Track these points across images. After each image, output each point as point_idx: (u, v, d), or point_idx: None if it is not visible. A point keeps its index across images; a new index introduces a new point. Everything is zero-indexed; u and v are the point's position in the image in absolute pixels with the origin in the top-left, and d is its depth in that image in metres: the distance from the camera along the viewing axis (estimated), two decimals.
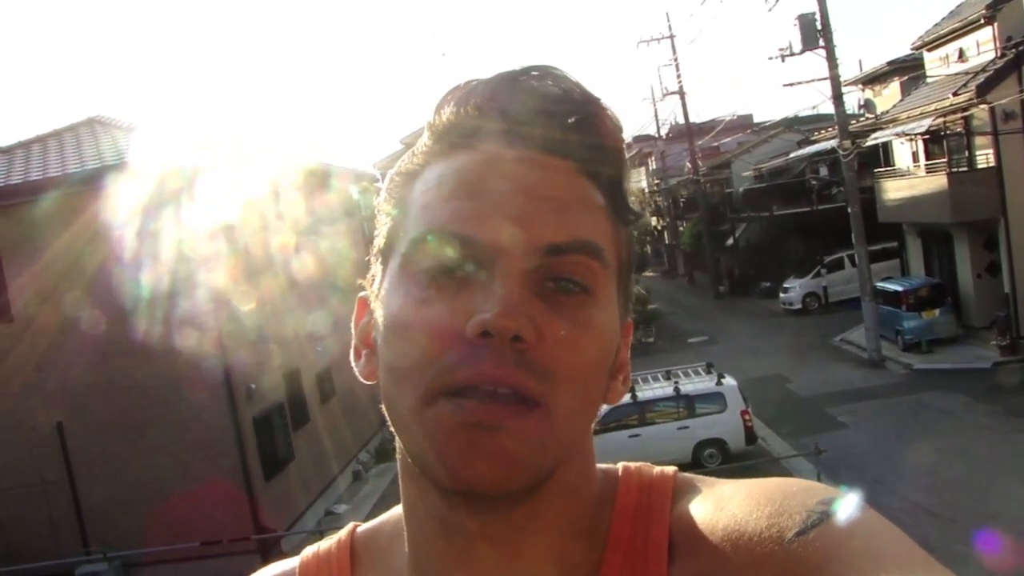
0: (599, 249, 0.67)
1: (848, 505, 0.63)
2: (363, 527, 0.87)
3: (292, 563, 0.86)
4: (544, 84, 0.69)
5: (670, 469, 0.78)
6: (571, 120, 0.68)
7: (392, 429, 0.70)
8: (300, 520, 15.07)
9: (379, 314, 0.71)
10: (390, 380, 0.68)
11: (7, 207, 13.40)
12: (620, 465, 0.79)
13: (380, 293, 0.72)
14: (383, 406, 0.70)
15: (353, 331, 0.79)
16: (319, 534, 13.31)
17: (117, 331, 12.97)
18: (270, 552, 13.05)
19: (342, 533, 0.86)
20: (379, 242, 0.75)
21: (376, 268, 0.75)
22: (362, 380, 0.76)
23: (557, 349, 0.64)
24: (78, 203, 13.00)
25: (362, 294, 0.79)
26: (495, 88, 0.70)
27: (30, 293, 13.50)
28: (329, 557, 0.84)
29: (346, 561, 0.83)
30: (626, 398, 15.25)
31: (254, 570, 0.89)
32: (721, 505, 0.67)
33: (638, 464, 0.79)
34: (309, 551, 0.86)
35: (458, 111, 0.71)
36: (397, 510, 0.80)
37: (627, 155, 0.74)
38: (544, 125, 0.68)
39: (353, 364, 0.77)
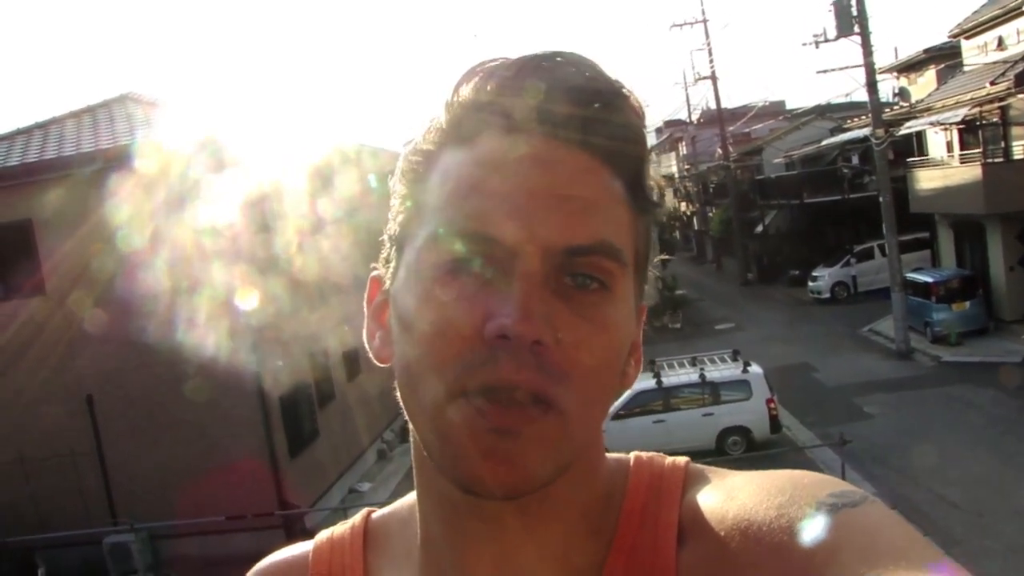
0: (619, 251, 0.67)
1: (858, 498, 0.63)
2: (377, 513, 0.88)
3: (307, 546, 0.87)
4: (567, 70, 0.67)
5: (682, 459, 0.78)
6: (594, 108, 0.67)
7: (407, 417, 0.70)
8: (324, 497, 15.21)
9: (396, 305, 0.71)
10: (408, 374, 0.68)
11: (41, 182, 13.55)
12: (632, 455, 0.80)
13: (395, 281, 0.72)
14: (398, 394, 0.70)
15: (366, 309, 0.79)
16: (343, 511, 13.50)
17: (147, 307, 13.10)
18: (294, 528, 13.19)
19: (356, 518, 0.87)
20: (393, 227, 0.74)
21: (391, 253, 0.75)
22: (376, 362, 0.76)
23: (574, 350, 0.64)
24: (111, 179, 13.09)
25: (375, 273, 0.79)
26: (516, 72, 0.68)
27: (63, 268, 13.66)
28: (343, 541, 0.85)
29: (359, 545, 0.84)
30: (651, 383, 15.27)
31: (278, 546, 0.90)
32: (731, 495, 0.68)
33: (650, 454, 0.79)
34: (323, 535, 0.87)
35: (477, 94, 0.69)
36: (411, 496, 0.81)
37: (649, 143, 0.73)
38: (566, 113, 0.66)
39: (367, 344, 0.77)
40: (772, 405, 15.16)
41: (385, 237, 0.76)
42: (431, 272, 0.66)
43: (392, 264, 0.74)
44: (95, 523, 13.44)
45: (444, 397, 0.64)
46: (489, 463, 0.62)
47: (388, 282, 0.75)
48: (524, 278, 0.63)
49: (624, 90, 0.69)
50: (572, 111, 0.66)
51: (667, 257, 31.22)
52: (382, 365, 0.75)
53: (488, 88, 0.68)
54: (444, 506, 0.72)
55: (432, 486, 0.74)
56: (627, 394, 11.34)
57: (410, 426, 0.72)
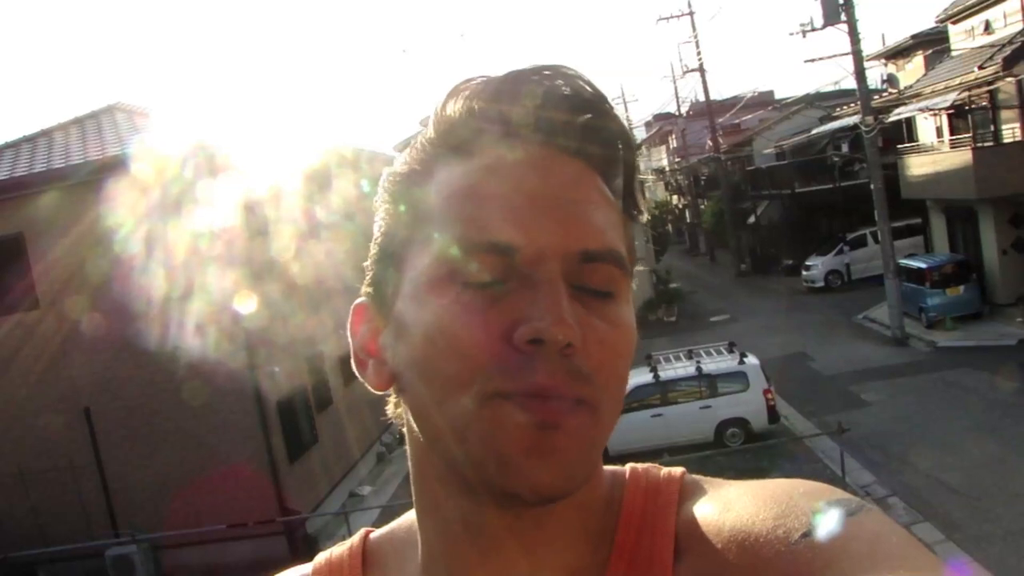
0: (624, 259, 0.68)
1: (855, 506, 0.63)
2: (375, 533, 0.87)
3: (305, 569, 0.86)
4: (555, 83, 0.68)
5: (677, 470, 0.78)
6: (584, 119, 0.68)
7: (423, 436, 0.70)
8: (325, 502, 15.19)
9: (407, 325, 0.68)
10: (432, 389, 0.66)
11: (31, 195, 13.53)
12: (628, 467, 0.80)
13: (399, 301, 0.70)
14: (411, 416, 0.70)
15: (351, 340, 0.77)
16: (343, 516, 13.49)
17: (142, 317, 13.08)
18: (295, 534, 13.18)
19: (354, 539, 0.87)
20: (386, 245, 0.73)
21: (386, 273, 0.72)
22: (372, 390, 0.75)
23: (597, 351, 0.64)
24: (101, 189, 13.08)
25: (359, 301, 0.76)
26: (506, 87, 0.69)
27: (56, 279, 13.64)
28: (341, 563, 0.84)
29: (358, 566, 0.83)
30: (648, 377, 15.28)
31: (279, 553, 0.90)
32: (727, 506, 0.67)
33: (646, 466, 0.79)
34: (321, 557, 0.87)
35: (468, 109, 0.69)
36: (409, 516, 0.81)
37: (637, 139, 0.74)
38: (557, 125, 0.67)
39: (359, 375, 0.76)
40: (770, 396, 15.16)
41: (369, 262, 0.75)
42: (451, 281, 0.65)
43: (390, 284, 0.72)
44: (97, 535, 13.44)
45: (479, 401, 0.63)
46: (534, 458, 0.62)
47: (381, 307, 0.73)
48: (549, 283, 0.63)
49: (610, 101, 0.71)
50: (564, 122, 0.67)
51: (661, 252, 31.03)
52: (379, 392, 0.74)
53: (481, 99, 0.69)
54: (444, 526, 0.72)
55: (432, 506, 0.73)
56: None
57: (410, 448, 0.73)
